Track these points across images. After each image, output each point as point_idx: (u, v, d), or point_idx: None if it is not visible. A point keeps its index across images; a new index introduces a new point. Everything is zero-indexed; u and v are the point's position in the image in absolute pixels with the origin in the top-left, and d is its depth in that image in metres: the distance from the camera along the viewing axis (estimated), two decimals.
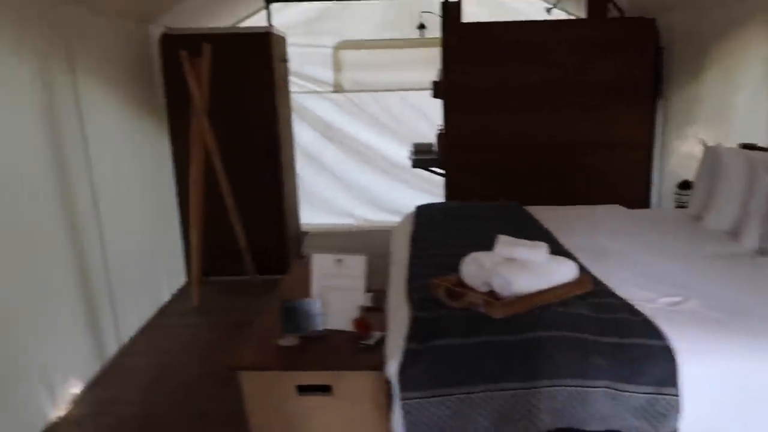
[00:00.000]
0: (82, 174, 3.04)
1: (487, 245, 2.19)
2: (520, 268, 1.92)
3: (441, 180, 4.41)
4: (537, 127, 4.03)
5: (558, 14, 4.65)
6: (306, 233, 5.18)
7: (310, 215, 5.41)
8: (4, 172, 2.46)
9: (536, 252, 2.00)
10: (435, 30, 4.96)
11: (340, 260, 2.30)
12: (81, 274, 3.00)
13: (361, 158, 5.63)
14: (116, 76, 3.52)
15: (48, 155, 2.77)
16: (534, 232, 2.67)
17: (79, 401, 2.82)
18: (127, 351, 3.35)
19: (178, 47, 3.79)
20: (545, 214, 3.03)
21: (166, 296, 4.06)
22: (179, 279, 4.33)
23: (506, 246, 2.01)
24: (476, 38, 3.99)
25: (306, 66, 5.34)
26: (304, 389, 2.07)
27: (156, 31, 4.04)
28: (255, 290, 4.21)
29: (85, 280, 3.03)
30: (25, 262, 2.57)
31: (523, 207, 3.21)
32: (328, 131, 5.56)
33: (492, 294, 1.95)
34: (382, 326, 2.20)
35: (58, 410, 2.70)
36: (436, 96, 4.52)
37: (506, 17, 4.36)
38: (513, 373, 1.67)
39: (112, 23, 3.47)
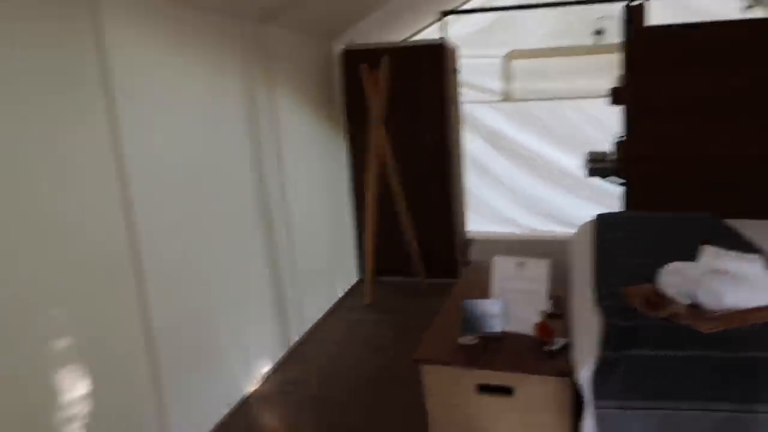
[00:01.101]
0: (275, 175, 3.36)
1: (684, 256, 2.04)
2: (732, 281, 1.76)
3: (614, 190, 4.18)
4: (734, 135, 3.65)
5: (757, 13, 4.19)
6: (472, 240, 5.19)
7: (475, 222, 5.41)
8: (221, 174, 2.81)
9: (750, 265, 1.82)
10: (612, 35, 4.74)
11: (522, 263, 2.29)
12: (273, 266, 3.30)
13: (529, 167, 5.53)
14: (303, 87, 3.84)
15: (251, 158, 3.10)
16: (740, 246, 2.43)
17: (267, 380, 3.10)
18: (307, 340, 3.61)
19: (358, 61, 4.05)
20: (749, 228, 2.74)
21: (339, 292, 4.32)
22: (352, 278, 4.58)
23: (714, 257, 1.86)
24: (663, 42, 3.73)
25: (476, 76, 5.37)
26: (484, 389, 2.08)
27: (338, 47, 4.35)
28: (423, 292, 4.32)
29: (276, 272, 3.33)
30: (232, 256, 2.90)
31: (722, 220, 2.93)
32: (496, 140, 5.54)
33: (695, 306, 1.81)
34: (564, 332, 2.15)
35: (251, 386, 3.00)
36: (615, 103, 4.30)
37: (693, 19, 4.00)
38: (728, 394, 1.53)
39: (302, 40, 3.80)
